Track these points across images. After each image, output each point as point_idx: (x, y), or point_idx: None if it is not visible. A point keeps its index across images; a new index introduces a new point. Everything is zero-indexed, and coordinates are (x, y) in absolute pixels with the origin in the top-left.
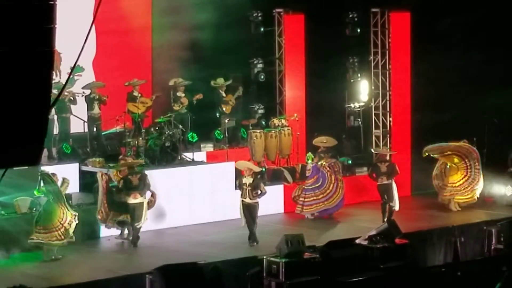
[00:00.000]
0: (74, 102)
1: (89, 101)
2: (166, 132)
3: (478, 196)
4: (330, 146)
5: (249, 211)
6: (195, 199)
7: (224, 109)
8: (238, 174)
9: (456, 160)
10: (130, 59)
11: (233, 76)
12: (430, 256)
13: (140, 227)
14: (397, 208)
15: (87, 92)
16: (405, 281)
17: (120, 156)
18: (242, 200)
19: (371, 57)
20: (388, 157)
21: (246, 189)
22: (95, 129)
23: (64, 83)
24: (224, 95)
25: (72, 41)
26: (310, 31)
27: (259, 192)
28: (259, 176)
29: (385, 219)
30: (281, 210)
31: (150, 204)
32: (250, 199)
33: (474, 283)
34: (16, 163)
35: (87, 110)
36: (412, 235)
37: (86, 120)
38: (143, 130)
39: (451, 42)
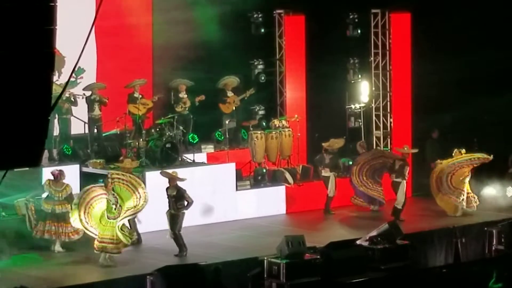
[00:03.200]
0: (74, 103)
1: (90, 102)
2: (167, 133)
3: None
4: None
5: (173, 221)
6: (196, 200)
7: (222, 109)
8: (239, 175)
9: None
10: (131, 61)
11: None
12: (431, 257)
13: None
14: (398, 206)
15: (88, 93)
16: (406, 282)
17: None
18: (169, 211)
19: (372, 58)
20: (406, 157)
21: (170, 200)
22: (95, 130)
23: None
24: (229, 95)
25: (74, 43)
26: (311, 32)
27: (186, 203)
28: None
29: (393, 217)
30: (282, 211)
31: None
32: (174, 210)
33: (475, 284)
34: (17, 164)
35: (88, 111)
36: (413, 236)
37: (86, 122)
38: (143, 131)
39: (452, 43)
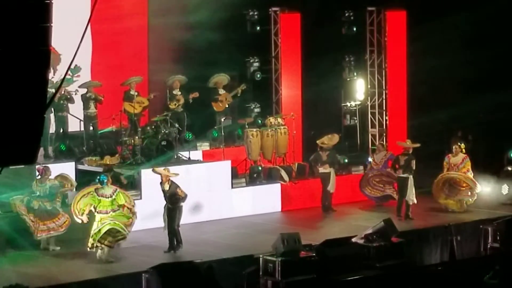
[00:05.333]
0: (71, 100)
1: (85, 100)
2: (162, 131)
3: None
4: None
5: (170, 215)
6: (191, 198)
7: (215, 108)
8: (234, 173)
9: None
10: (127, 58)
11: (230, 75)
12: (426, 254)
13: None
14: (410, 202)
15: (83, 90)
16: (401, 280)
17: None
18: (166, 205)
19: (367, 56)
20: (410, 151)
21: (165, 195)
22: (91, 128)
23: (60, 82)
24: (220, 93)
25: (69, 41)
26: (306, 30)
27: (179, 198)
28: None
29: (402, 214)
30: (277, 209)
31: None
32: (171, 204)
33: (470, 282)
34: (13, 162)
35: (83, 109)
36: (409, 234)
37: (82, 119)
38: (139, 129)
39: (447, 41)
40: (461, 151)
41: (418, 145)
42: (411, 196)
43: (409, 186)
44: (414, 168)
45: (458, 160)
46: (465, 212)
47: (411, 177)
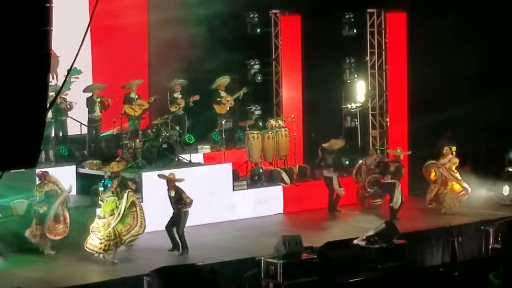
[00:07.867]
0: (70, 109)
1: (91, 104)
2: (163, 134)
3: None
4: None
5: (175, 220)
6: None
7: (217, 110)
8: (236, 175)
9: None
10: (127, 61)
11: (230, 77)
12: (428, 256)
13: None
14: (395, 206)
15: (88, 94)
16: (403, 282)
17: (118, 158)
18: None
19: (368, 58)
20: (401, 158)
21: (171, 201)
22: (94, 131)
23: (61, 85)
24: (222, 95)
25: (69, 44)
26: (307, 32)
27: (185, 203)
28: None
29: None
30: (279, 211)
31: None
32: (176, 210)
33: (472, 283)
34: (13, 165)
35: (88, 112)
36: (410, 235)
37: (83, 123)
38: (140, 132)
39: (448, 42)
40: (451, 153)
41: (408, 153)
42: (398, 201)
43: (396, 191)
44: (403, 175)
45: (445, 161)
46: (466, 212)
47: (398, 183)
